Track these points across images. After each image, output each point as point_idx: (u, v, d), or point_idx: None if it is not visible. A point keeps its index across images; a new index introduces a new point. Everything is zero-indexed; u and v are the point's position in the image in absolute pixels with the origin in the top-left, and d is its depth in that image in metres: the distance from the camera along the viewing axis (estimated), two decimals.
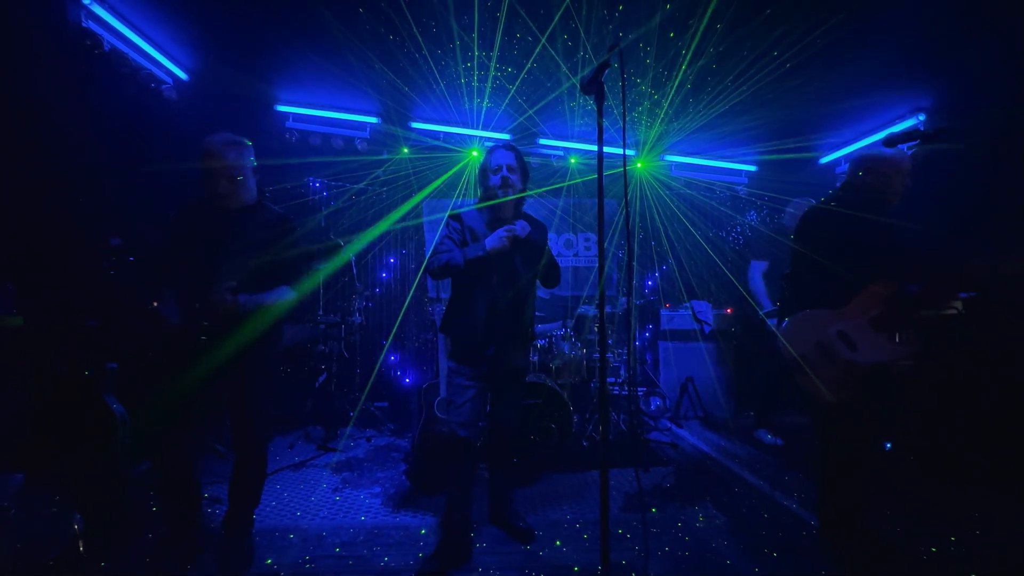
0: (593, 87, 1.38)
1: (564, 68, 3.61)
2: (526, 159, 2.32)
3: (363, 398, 4.28)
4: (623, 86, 1.37)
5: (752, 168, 5.52)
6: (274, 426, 4.09)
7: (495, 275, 2.19)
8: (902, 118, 4.17)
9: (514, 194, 2.22)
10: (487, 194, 2.25)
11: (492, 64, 3.65)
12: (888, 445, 3.24)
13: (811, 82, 3.63)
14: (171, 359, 2.02)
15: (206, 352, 1.94)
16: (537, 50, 3.42)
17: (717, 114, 4.23)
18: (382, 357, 4.95)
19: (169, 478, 2.06)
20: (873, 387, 1.95)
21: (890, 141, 1.88)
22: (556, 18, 3.06)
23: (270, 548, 2.27)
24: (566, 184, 5.31)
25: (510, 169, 2.21)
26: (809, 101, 3.95)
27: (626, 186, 1.39)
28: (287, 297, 2.12)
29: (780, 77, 3.55)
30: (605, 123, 4.59)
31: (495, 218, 2.26)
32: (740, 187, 5.67)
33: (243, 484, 2.15)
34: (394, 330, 5.00)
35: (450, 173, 5.12)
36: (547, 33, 3.24)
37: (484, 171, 2.27)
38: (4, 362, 2.39)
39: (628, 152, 5.25)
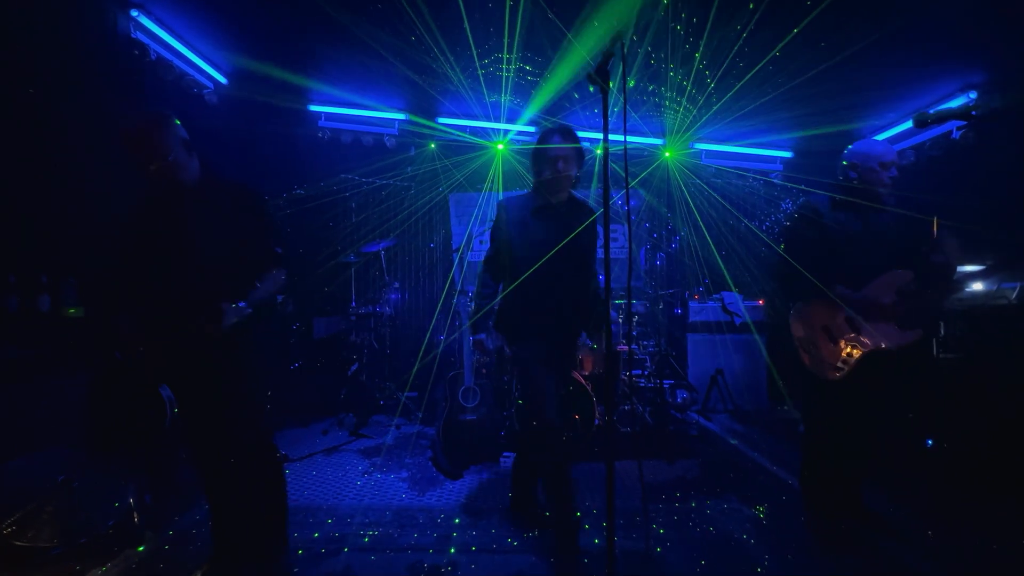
0: (598, 77, 1.40)
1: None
2: None
3: (393, 387, 4.42)
4: (623, 72, 1.38)
5: (787, 155, 5.31)
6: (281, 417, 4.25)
7: (544, 267, 2.14)
8: (951, 96, 3.91)
9: (569, 184, 2.18)
10: (541, 183, 2.18)
11: (514, 58, 3.67)
12: (929, 442, 3.09)
13: (850, 59, 3.41)
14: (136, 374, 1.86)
15: (197, 363, 1.77)
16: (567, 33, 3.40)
17: (750, 97, 4.08)
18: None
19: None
20: (869, 371, 2.09)
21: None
22: None
23: (308, 524, 2.43)
24: (594, 173, 5.28)
25: (566, 162, 2.11)
26: (848, 79, 3.72)
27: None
28: (282, 280, 1.90)
29: (817, 54, 3.37)
30: (634, 112, 4.52)
31: (547, 203, 2.22)
32: (774, 175, 5.47)
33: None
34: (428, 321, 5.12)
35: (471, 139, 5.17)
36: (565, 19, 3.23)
37: (539, 158, 2.15)
38: (69, 348, 2.63)
39: (656, 141, 5.17)
